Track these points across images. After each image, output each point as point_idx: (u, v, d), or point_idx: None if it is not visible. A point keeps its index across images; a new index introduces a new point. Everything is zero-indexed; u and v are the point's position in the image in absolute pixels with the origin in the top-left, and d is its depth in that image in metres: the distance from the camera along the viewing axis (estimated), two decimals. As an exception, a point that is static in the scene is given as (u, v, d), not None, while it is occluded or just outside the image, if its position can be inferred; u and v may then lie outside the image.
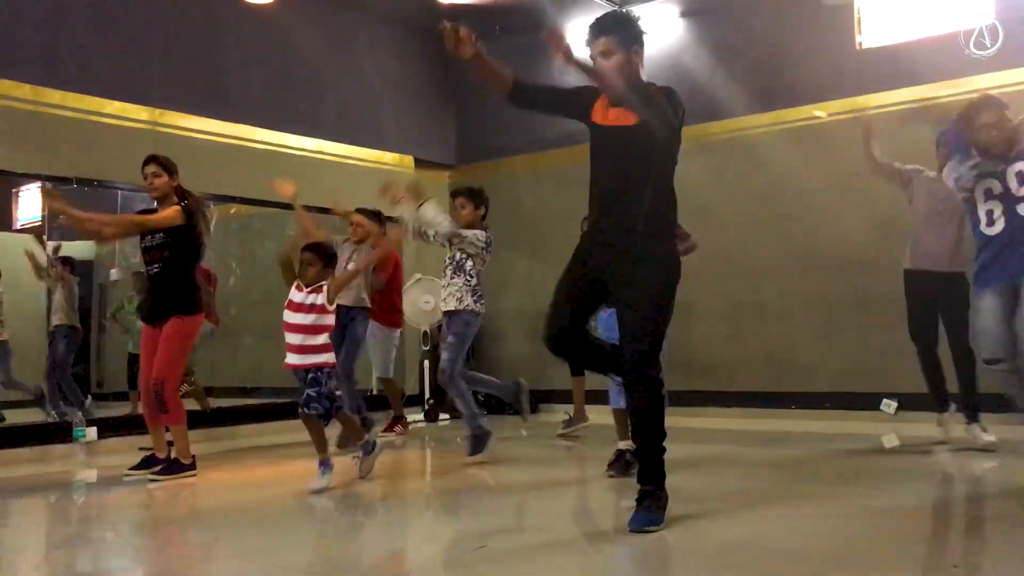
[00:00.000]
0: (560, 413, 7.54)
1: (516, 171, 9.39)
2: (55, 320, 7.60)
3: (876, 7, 7.63)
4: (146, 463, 5.57)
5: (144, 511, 4.77)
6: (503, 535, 3.81)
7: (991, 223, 4.38)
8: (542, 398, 8.62)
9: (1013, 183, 4.32)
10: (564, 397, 7.68)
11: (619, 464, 5.00)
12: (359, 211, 6.81)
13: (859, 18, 7.65)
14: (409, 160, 9.46)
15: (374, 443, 5.22)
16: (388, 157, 9.27)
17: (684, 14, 8.48)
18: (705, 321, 8.07)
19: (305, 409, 4.89)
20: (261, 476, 5.73)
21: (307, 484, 4.84)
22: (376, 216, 7.08)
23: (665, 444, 3.75)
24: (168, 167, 5.58)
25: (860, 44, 7.64)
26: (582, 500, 4.80)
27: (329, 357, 5.00)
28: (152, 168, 5.55)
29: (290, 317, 4.95)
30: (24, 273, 7.49)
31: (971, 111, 4.42)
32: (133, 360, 7.42)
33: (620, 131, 3.74)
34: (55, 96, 6.76)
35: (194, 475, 5.45)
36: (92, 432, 6.54)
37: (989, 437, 5.59)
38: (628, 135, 3.71)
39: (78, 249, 8.04)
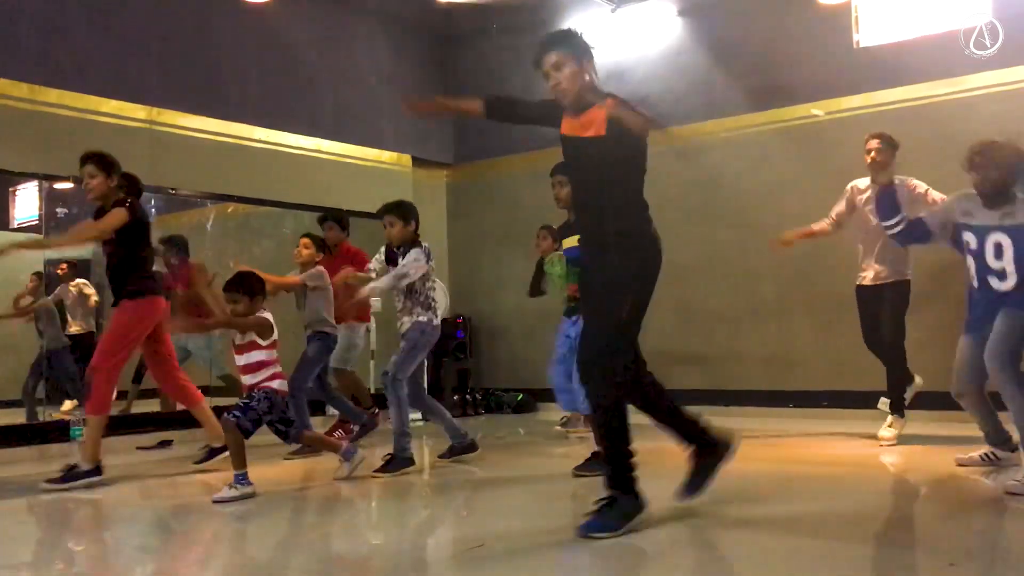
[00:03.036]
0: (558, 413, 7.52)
1: (514, 170, 9.38)
2: (46, 344, 7.65)
3: (874, 6, 7.63)
4: (211, 454, 5.58)
5: (137, 508, 4.77)
6: (501, 533, 3.81)
7: (971, 276, 4.54)
8: (541, 397, 8.61)
9: (990, 255, 4.42)
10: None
11: (587, 464, 4.93)
12: (305, 236, 6.57)
13: (857, 17, 7.66)
14: (407, 159, 9.45)
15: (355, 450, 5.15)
16: (386, 156, 9.27)
17: (682, 12, 8.49)
18: (702, 320, 8.07)
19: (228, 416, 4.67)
20: (259, 475, 5.71)
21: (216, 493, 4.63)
22: (338, 222, 6.87)
23: (631, 448, 3.60)
24: (105, 166, 5.15)
25: (858, 43, 7.65)
26: (578, 497, 4.79)
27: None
28: (88, 168, 5.12)
29: None
30: (20, 271, 7.48)
31: (968, 153, 4.47)
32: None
33: (577, 141, 3.76)
34: (52, 95, 6.76)
35: (99, 480, 5.10)
36: (89, 431, 6.53)
37: (886, 432, 5.93)
38: (584, 145, 3.72)
39: (71, 249, 8.01)
